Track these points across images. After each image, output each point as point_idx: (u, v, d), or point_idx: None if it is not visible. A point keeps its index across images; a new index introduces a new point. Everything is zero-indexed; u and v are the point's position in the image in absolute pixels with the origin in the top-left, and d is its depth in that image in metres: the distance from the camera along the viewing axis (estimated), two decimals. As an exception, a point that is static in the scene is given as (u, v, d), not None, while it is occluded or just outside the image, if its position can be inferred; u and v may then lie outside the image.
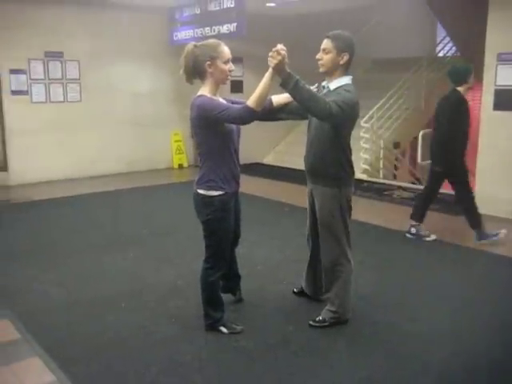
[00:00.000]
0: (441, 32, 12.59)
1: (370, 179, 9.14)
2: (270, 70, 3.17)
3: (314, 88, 3.50)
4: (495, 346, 3.56)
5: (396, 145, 10.23)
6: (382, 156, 9.74)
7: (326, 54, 3.45)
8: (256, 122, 3.38)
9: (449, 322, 3.91)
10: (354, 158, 3.69)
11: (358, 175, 9.33)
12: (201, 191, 3.40)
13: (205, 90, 3.36)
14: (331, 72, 3.48)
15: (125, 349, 3.51)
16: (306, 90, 3.19)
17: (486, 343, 3.60)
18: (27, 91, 8.83)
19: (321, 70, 3.51)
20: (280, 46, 3.12)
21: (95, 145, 9.58)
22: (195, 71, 3.36)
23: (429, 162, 5.86)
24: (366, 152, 9.43)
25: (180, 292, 4.40)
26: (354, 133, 3.67)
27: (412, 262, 5.25)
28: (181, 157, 10.74)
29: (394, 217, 6.91)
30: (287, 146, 11.33)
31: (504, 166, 6.68)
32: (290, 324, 3.81)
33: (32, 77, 8.84)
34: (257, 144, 9.93)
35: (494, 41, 6.62)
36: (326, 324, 3.75)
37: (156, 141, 10.37)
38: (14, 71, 8.67)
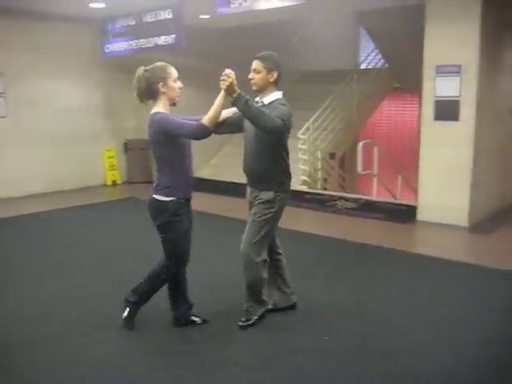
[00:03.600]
0: (364, 45, 13.00)
1: (311, 190, 9.18)
2: (222, 91, 3.50)
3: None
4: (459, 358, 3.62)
5: (332, 155, 10.38)
6: (319, 167, 9.82)
7: (257, 73, 3.77)
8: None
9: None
10: (292, 169, 3.98)
11: (297, 187, 9.38)
12: (157, 197, 3.65)
13: (159, 108, 3.63)
14: (263, 89, 3.79)
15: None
16: (254, 107, 3.54)
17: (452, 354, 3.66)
18: None
19: (254, 88, 3.82)
20: (228, 71, 3.46)
21: (22, 162, 8.95)
22: (148, 92, 3.64)
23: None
24: (304, 163, 9.49)
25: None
26: (291, 144, 3.94)
27: (368, 272, 5.29)
28: (114, 173, 10.29)
29: (342, 227, 7.00)
30: (223, 159, 11.20)
31: (446, 174, 6.90)
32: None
33: (-49, 90, 8.18)
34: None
35: (432, 54, 6.86)
36: (251, 320, 3.91)
37: (87, 157, 9.86)
38: None
